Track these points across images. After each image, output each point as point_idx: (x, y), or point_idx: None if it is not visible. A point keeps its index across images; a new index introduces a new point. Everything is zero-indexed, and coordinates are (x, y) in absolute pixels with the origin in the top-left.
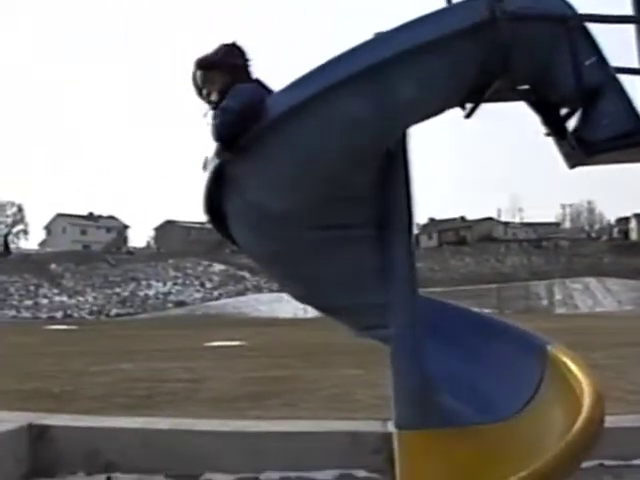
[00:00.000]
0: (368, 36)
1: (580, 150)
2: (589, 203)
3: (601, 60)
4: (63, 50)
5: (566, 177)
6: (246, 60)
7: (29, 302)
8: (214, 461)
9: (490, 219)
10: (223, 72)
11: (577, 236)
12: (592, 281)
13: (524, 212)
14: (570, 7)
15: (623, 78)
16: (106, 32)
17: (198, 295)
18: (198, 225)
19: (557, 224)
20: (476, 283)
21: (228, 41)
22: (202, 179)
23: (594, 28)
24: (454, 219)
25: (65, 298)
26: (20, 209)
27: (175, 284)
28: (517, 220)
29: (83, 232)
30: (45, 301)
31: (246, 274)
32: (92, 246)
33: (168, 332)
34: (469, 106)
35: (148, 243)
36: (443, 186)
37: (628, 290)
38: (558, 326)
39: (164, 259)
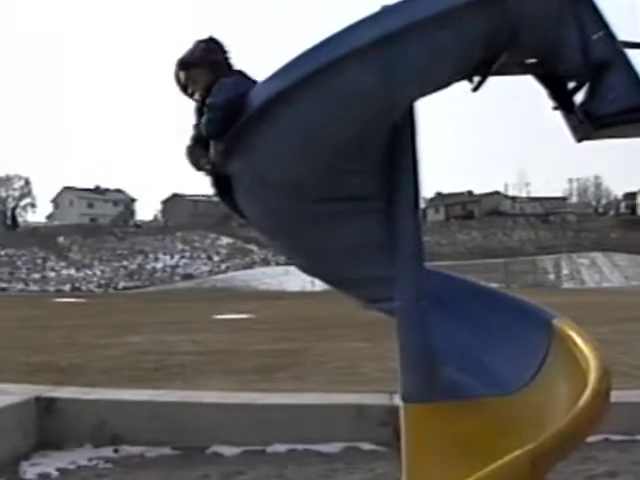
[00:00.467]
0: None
1: (587, 124)
2: (596, 178)
3: (608, 34)
4: (69, 22)
5: (573, 152)
6: (225, 53)
7: (37, 275)
8: (221, 433)
9: (497, 193)
10: (204, 69)
11: (584, 211)
12: (599, 256)
13: (531, 186)
14: None
15: (630, 52)
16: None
17: (205, 268)
18: (205, 198)
19: (564, 199)
20: (483, 257)
21: (204, 36)
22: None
23: (601, 1)
24: (461, 193)
25: (73, 271)
26: (27, 182)
27: (182, 257)
28: (524, 195)
29: (90, 205)
30: (53, 274)
31: (254, 247)
32: (99, 219)
33: (176, 305)
34: (476, 79)
35: (155, 216)
36: (450, 160)
37: (635, 265)
38: (565, 301)
39: (171, 232)
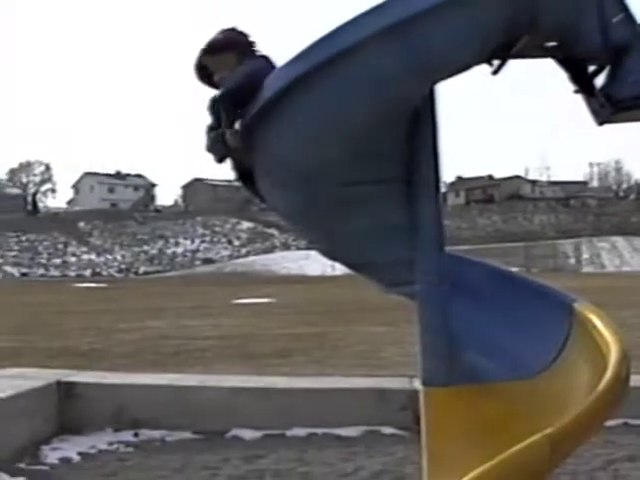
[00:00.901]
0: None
1: (608, 107)
2: (617, 162)
3: (628, 17)
4: (87, 9)
5: (594, 136)
6: (251, 40)
7: (58, 260)
8: (241, 417)
9: (518, 177)
10: (232, 54)
11: (605, 195)
12: (619, 240)
13: (551, 170)
14: None
15: None
16: None
17: (226, 253)
18: (226, 183)
19: (585, 183)
20: (503, 241)
21: (227, 27)
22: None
23: None
24: (482, 177)
25: (93, 256)
26: (48, 168)
27: (203, 242)
28: (544, 179)
29: (111, 190)
30: (73, 259)
31: (274, 231)
32: (120, 204)
33: (196, 289)
34: (496, 62)
35: (176, 201)
36: (471, 144)
37: None
38: (585, 285)
39: (192, 217)
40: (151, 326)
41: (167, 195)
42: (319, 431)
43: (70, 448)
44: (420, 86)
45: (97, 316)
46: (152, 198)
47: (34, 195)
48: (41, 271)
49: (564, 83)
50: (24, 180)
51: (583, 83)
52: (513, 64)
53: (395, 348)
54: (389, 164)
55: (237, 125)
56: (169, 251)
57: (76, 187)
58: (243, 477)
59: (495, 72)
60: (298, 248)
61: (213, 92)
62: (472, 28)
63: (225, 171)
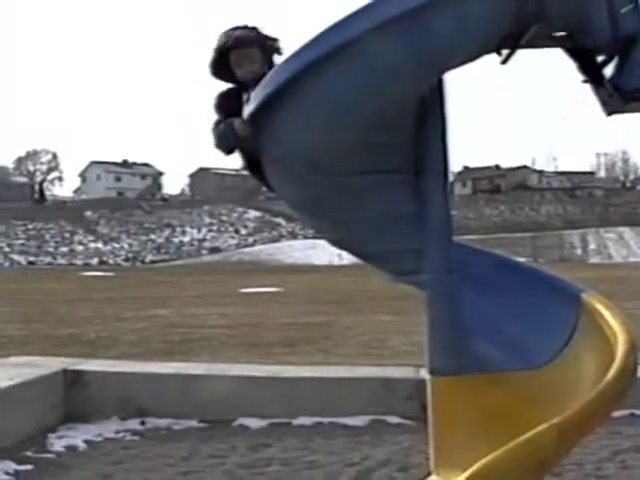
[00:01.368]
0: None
1: (616, 97)
2: (624, 153)
3: (637, 8)
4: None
5: (601, 126)
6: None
7: (64, 249)
8: (248, 406)
9: (524, 167)
10: (258, 49)
11: (612, 186)
12: (626, 231)
13: (558, 161)
14: None
15: None
16: None
17: (233, 242)
18: (233, 172)
19: (592, 173)
20: (510, 231)
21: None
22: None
23: None
24: (488, 167)
25: (100, 245)
26: (55, 156)
27: (210, 231)
28: (551, 169)
29: (118, 179)
30: (80, 248)
31: (281, 221)
32: (126, 193)
33: (203, 278)
34: (505, 52)
35: (182, 190)
36: (478, 134)
37: None
38: (592, 275)
39: (199, 206)
40: (158, 314)
41: (174, 184)
42: (325, 420)
43: (76, 436)
44: (427, 76)
45: (104, 304)
46: (159, 187)
47: (41, 184)
48: (48, 259)
49: (572, 73)
50: (31, 169)
51: (592, 73)
52: (522, 53)
53: (402, 337)
54: (398, 154)
55: (245, 113)
56: (176, 240)
57: (83, 176)
58: (249, 466)
59: (504, 62)
60: (305, 237)
61: (221, 87)
62: (482, 18)
63: (232, 160)
